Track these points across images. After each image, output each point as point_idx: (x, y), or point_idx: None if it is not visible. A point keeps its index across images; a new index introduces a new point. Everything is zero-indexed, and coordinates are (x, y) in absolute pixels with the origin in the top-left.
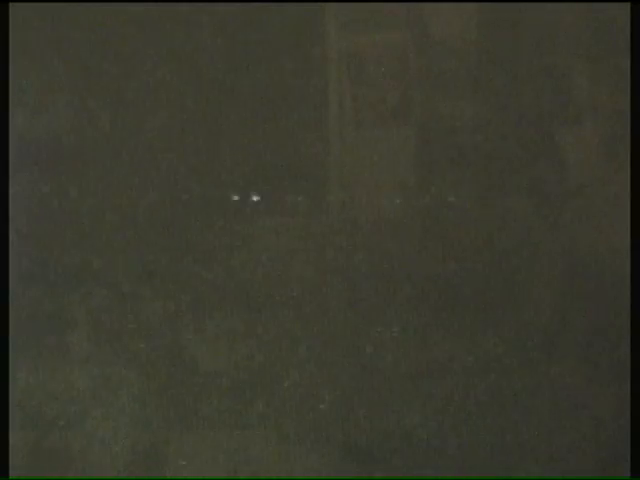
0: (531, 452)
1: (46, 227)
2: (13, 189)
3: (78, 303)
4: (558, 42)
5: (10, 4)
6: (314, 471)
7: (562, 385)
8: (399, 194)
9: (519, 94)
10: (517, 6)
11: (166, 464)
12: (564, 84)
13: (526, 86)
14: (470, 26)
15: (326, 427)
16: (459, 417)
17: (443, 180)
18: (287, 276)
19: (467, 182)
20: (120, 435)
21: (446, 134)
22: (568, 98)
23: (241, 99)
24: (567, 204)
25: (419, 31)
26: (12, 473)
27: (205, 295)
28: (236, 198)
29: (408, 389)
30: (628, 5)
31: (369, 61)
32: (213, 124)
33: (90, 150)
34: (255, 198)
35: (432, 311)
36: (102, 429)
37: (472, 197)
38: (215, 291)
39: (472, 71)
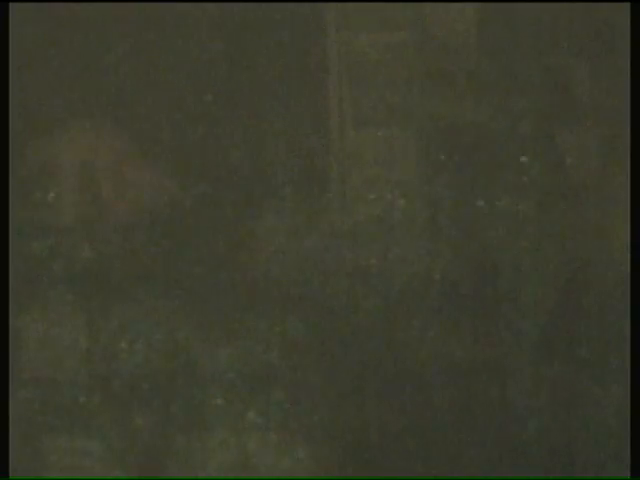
0: (531, 452)
1: (48, 227)
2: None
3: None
4: (558, 42)
5: (10, 4)
6: (314, 471)
7: (562, 385)
8: (399, 193)
9: (519, 94)
10: (517, 6)
11: (168, 463)
12: (564, 84)
13: (526, 86)
14: (470, 26)
15: (327, 427)
16: (459, 417)
17: (443, 180)
18: (287, 276)
19: (467, 182)
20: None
21: (446, 134)
22: (568, 98)
23: (241, 99)
24: (567, 204)
25: (419, 31)
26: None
27: (205, 295)
28: (237, 198)
29: (408, 388)
30: (628, 5)
31: (369, 61)
32: (213, 124)
33: (90, 150)
34: (255, 198)
35: (432, 311)
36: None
37: (472, 197)
38: (215, 291)
39: (472, 71)
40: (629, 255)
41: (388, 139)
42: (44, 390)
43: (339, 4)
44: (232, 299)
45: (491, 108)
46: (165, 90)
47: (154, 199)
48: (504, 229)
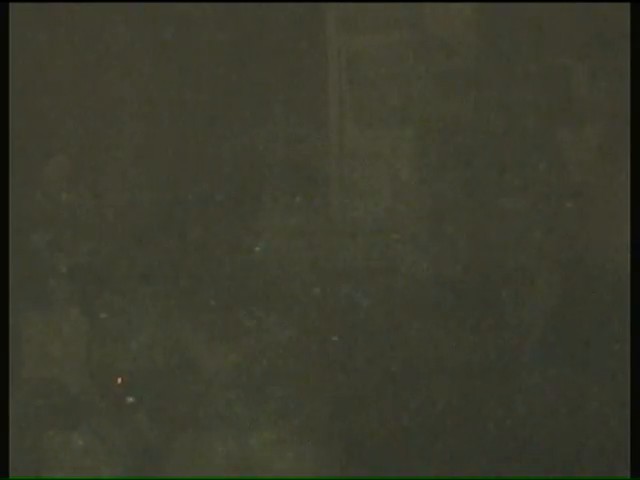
0: (531, 452)
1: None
2: (13, 190)
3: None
4: (558, 42)
5: (10, 4)
6: (315, 470)
7: (562, 385)
8: (398, 193)
9: (519, 94)
10: (517, 6)
11: (169, 461)
12: (564, 84)
13: (526, 86)
14: (470, 26)
15: (327, 426)
16: (459, 417)
17: (443, 180)
18: (287, 276)
19: (467, 182)
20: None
21: (446, 134)
22: (568, 98)
23: (241, 99)
24: (567, 204)
25: (419, 31)
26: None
27: (204, 295)
28: (237, 198)
29: (408, 389)
30: (628, 5)
31: (369, 61)
32: (213, 124)
33: (90, 150)
34: (255, 198)
35: (431, 311)
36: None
37: (472, 197)
38: (215, 291)
39: (472, 71)
40: (629, 255)
41: (388, 139)
42: (44, 389)
43: (339, 4)
44: (232, 298)
45: (491, 108)
46: (164, 90)
47: (155, 199)
48: (505, 229)
